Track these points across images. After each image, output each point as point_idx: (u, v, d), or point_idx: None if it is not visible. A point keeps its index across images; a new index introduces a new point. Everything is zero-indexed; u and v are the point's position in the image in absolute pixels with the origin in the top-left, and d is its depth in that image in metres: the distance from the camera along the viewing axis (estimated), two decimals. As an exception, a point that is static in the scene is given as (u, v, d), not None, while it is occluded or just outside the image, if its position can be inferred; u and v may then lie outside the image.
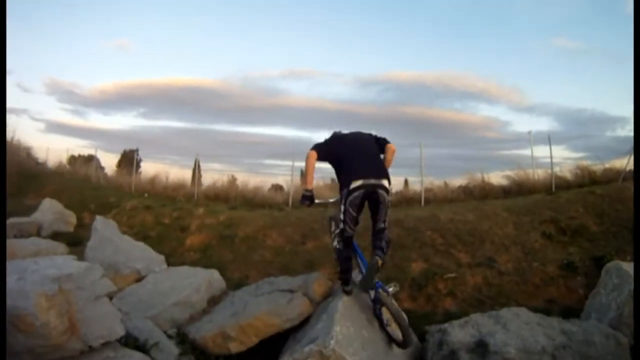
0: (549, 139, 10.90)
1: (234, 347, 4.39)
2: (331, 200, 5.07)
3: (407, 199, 11.11)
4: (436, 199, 10.82)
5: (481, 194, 10.59)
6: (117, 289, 5.38)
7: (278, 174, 13.11)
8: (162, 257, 6.81)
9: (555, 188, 9.87)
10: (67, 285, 3.30)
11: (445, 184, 12.10)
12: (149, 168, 16.66)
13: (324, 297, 4.76)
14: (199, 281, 5.55)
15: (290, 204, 10.73)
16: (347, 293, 4.50)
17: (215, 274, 5.90)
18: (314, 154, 4.30)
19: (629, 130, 10.19)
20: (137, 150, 17.51)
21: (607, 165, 10.79)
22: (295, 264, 6.81)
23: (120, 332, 3.67)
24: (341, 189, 4.29)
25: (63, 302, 3.11)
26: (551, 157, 10.78)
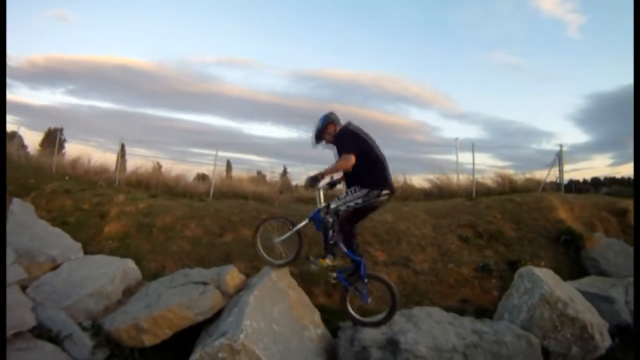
0: (472, 147, 11.65)
1: (148, 340, 4.47)
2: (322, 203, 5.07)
3: (327, 197, 11.42)
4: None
5: (402, 195, 10.89)
6: (32, 277, 5.43)
7: (204, 163, 13.07)
8: (78, 245, 6.68)
9: (476, 194, 10.38)
10: None
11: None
12: (73, 149, 15.92)
13: (237, 290, 4.95)
14: (114, 271, 5.53)
15: (211, 194, 10.73)
16: (332, 269, 4.91)
17: (130, 263, 5.90)
18: (352, 158, 4.58)
19: (553, 145, 11.34)
20: (61, 130, 16.64)
21: (528, 175, 11.58)
22: (212, 256, 6.81)
23: (32, 323, 3.76)
24: (364, 183, 4.66)
25: None
26: (473, 163, 11.48)
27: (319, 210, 4.93)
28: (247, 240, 6.93)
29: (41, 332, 4.22)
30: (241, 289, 5.03)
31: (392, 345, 4.43)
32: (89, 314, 4.95)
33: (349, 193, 4.71)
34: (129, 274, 5.74)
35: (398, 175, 11.70)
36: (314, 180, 4.75)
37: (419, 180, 12.04)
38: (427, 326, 4.68)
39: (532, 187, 10.79)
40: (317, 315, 5.01)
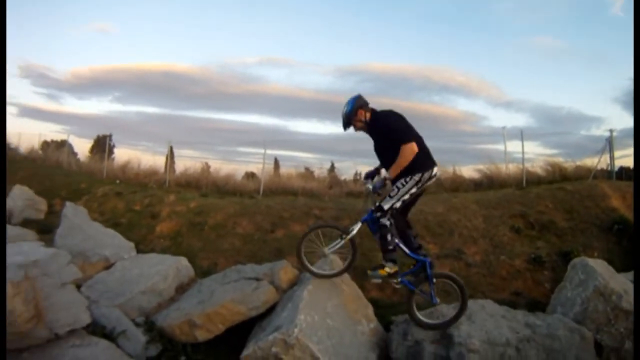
0: (521, 135, 11.18)
1: (201, 335, 4.50)
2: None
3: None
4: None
5: (452, 186, 10.67)
6: (86, 276, 5.54)
7: (252, 162, 13.17)
8: (131, 244, 6.83)
9: (526, 183, 10.06)
10: (33, 272, 3.39)
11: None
12: (122, 154, 16.54)
13: (290, 285, 4.89)
14: (167, 269, 5.58)
15: (261, 192, 10.79)
16: (393, 276, 4.53)
17: (183, 261, 5.91)
18: (414, 146, 4.24)
19: (603, 130, 10.72)
20: (110, 136, 17.33)
21: (578, 163, 11.03)
22: (264, 252, 6.82)
23: (86, 320, 3.77)
24: (411, 171, 4.31)
25: (29, 289, 3.19)
26: (523, 152, 11.01)
27: (372, 211, 4.57)
28: (298, 235, 6.82)
29: (95, 329, 4.26)
30: (294, 284, 4.97)
31: (445, 339, 4.37)
32: (142, 311, 5.01)
33: (401, 186, 4.36)
34: (181, 271, 5.75)
35: (447, 166, 11.51)
36: (382, 187, 4.44)
37: (469, 171, 11.66)
38: (480, 319, 4.57)
39: (583, 175, 10.22)
40: (370, 310, 4.89)
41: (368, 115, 4.53)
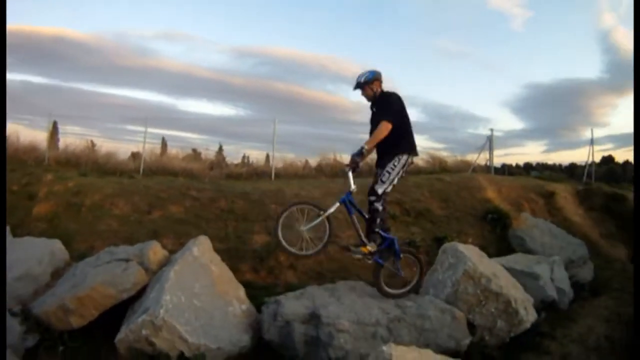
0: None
1: (76, 321, 4.53)
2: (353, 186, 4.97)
3: (259, 173, 11.82)
4: (287, 174, 11.57)
5: (332, 172, 11.36)
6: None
7: (139, 141, 13.07)
8: (7, 228, 6.62)
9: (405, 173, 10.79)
10: None
11: (307, 161, 13.15)
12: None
13: (160, 266, 5.12)
14: (41, 253, 5.59)
15: (141, 171, 10.90)
16: (373, 255, 4.95)
17: (58, 244, 5.94)
18: (390, 126, 4.70)
19: (489, 130, 12.12)
20: (-11, 108, 16.03)
21: (460, 158, 12.57)
22: (140, 233, 6.93)
23: None
24: (396, 152, 4.84)
25: None
26: None
27: (349, 193, 4.92)
28: (175, 216, 7.36)
29: None
30: (164, 265, 5.18)
31: (314, 319, 4.56)
32: (20, 299, 5.03)
33: (391, 170, 4.84)
34: (56, 255, 5.77)
35: (329, 154, 12.47)
36: (358, 156, 4.73)
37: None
38: (349, 301, 4.85)
39: (463, 169, 11.50)
40: (241, 291, 5.17)
41: (379, 90, 5.08)
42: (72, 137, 13.65)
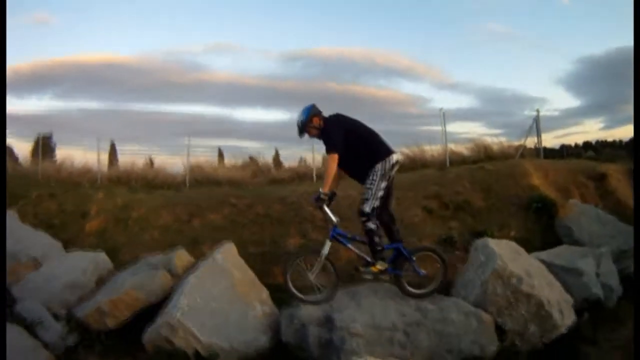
0: (442, 116, 11.97)
1: (110, 322, 5.16)
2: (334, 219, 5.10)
3: (301, 176, 12.17)
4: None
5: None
6: (18, 277, 6.43)
7: (198, 154, 13.98)
8: (59, 244, 7.70)
9: (450, 164, 10.60)
10: None
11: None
12: (64, 154, 16.97)
13: (185, 271, 5.65)
14: (87, 264, 6.39)
15: (187, 183, 11.68)
16: (384, 273, 4.99)
17: (102, 255, 6.69)
18: (336, 157, 4.75)
19: (546, 110, 11.73)
20: (50, 136, 17.89)
21: (506, 143, 11.97)
22: (180, 241, 7.28)
23: None
24: (370, 166, 4.82)
25: None
26: (445, 132, 11.83)
27: (335, 227, 5.03)
28: (213, 224, 7.90)
29: (18, 322, 5.12)
30: (190, 269, 5.68)
31: (329, 322, 4.65)
32: (66, 304, 5.78)
33: (371, 184, 4.81)
34: (100, 265, 6.55)
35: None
36: (319, 200, 4.88)
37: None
38: (368, 303, 4.83)
39: (511, 155, 10.95)
40: (265, 294, 5.47)
41: (321, 122, 5.04)
42: (130, 156, 14.75)
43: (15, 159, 16.92)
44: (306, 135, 5.19)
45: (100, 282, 6.31)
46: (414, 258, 5.03)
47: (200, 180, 11.98)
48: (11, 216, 8.48)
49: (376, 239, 4.84)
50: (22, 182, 12.43)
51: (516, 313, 4.80)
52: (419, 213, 7.59)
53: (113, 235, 8.28)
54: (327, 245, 4.98)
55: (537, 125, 11.70)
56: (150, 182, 12.29)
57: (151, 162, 15.23)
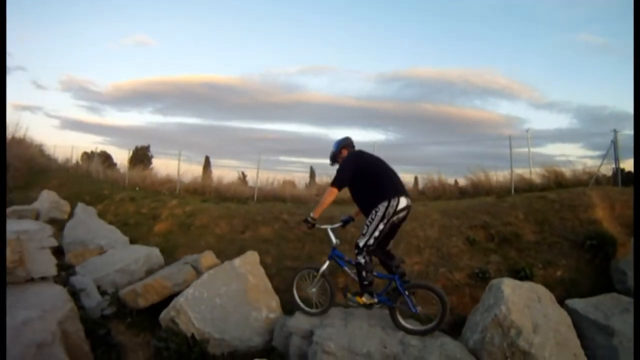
0: (527, 137, 11.40)
1: (142, 302, 6.27)
2: (332, 226, 5.60)
3: (347, 198, 12.59)
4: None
5: (434, 194, 11.23)
6: (84, 259, 8.01)
7: (293, 171, 15.06)
8: (126, 238, 9.29)
9: (517, 191, 10.05)
10: (23, 236, 5.45)
11: (456, 181, 12.34)
12: (161, 164, 19.26)
13: (208, 269, 6.47)
14: (140, 255, 7.70)
15: (255, 198, 12.81)
16: (369, 306, 5.12)
17: (155, 251, 8.03)
18: (335, 192, 5.05)
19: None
20: (147, 147, 20.46)
21: (582, 169, 10.70)
22: (230, 249, 8.30)
23: (53, 272, 5.79)
24: (374, 204, 4.88)
25: (17, 245, 5.12)
26: (511, 156, 11.03)
27: (334, 249, 5.46)
28: (262, 236, 8.81)
29: (68, 287, 6.30)
30: (213, 268, 6.53)
31: (310, 336, 5.01)
32: (115, 285, 7.05)
33: (369, 223, 4.89)
34: (152, 258, 7.83)
35: (433, 174, 12.10)
36: (306, 222, 5.21)
37: (503, 175, 11.64)
38: (354, 326, 5.02)
39: (585, 182, 9.88)
40: (275, 302, 6.16)
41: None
42: (226, 170, 16.27)
43: (113, 164, 19.50)
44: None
45: (150, 272, 7.48)
46: (408, 293, 4.98)
47: (267, 196, 13.07)
48: (88, 211, 10.35)
49: (363, 274, 4.97)
50: (108, 185, 14.58)
51: (511, 369, 4.36)
52: (460, 244, 7.33)
53: (176, 237, 9.59)
54: (326, 264, 5.44)
55: (614, 147, 10.36)
56: (222, 194, 13.67)
57: (243, 176, 16.64)
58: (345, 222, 5.71)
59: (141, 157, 18.89)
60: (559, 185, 10.01)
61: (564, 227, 7.32)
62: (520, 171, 11.23)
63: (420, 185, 12.59)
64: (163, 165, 17.96)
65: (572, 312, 5.29)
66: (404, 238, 7.32)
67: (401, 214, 4.97)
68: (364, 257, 4.91)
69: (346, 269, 5.44)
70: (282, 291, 6.49)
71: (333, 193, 5.05)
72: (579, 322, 5.15)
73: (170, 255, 8.31)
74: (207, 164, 17.36)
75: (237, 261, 6.43)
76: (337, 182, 5.08)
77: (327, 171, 15.41)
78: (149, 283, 6.45)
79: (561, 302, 5.45)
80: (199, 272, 6.69)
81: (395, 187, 4.99)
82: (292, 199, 12.55)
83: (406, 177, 12.97)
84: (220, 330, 5.59)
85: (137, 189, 14.28)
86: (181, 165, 15.43)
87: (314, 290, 5.57)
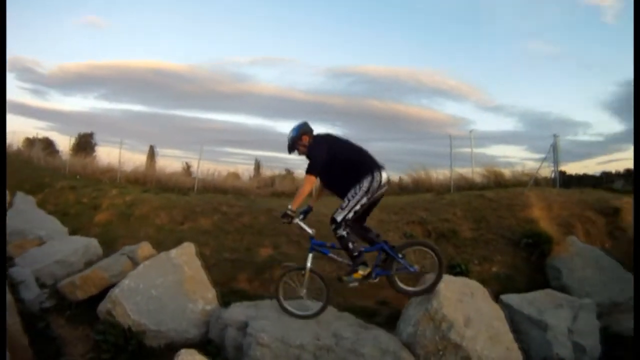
0: (470, 139, 12.26)
1: (80, 294, 6.36)
2: (299, 219, 5.30)
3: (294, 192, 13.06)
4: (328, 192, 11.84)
5: (416, 187, 11.65)
6: (23, 250, 8.07)
7: (238, 162, 15.29)
8: (65, 229, 9.42)
9: (457, 189, 10.75)
10: None
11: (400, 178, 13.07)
12: (104, 152, 19.12)
13: (145, 260, 6.67)
14: (79, 247, 7.84)
15: (195, 189, 13.06)
16: (369, 276, 5.04)
17: (94, 242, 8.12)
18: (313, 179, 4.96)
19: (589, 135, 11.11)
20: (91, 134, 20.28)
21: (521, 170, 11.74)
22: (169, 240, 8.35)
23: None
24: (357, 180, 4.89)
25: None
26: (451, 155, 11.93)
27: (312, 238, 5.28)
28: (201, 228, 9.06)
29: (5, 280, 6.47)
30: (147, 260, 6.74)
31: (245, 328, 5.06)
32: (54, 277, 7.17)
33: (351, 197, 4.88)
34: (90, 249, 7.96)
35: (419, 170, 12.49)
36: (286, 217, 5.03)
37: (440, 174, 12.56)
38: (289, 319, 5.16)
39: (524, 182, 10.62)
40: (211, 294, 6.28)
41: (310, 141, 5.20)
42: (171, 160, 16.35)
43: (55, 151, 19.24)
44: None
45: (89, 264, 7.58)
46: (401, 255, 5.04)
47: (209, 188, 13.35)
48: (27, 200, 10.40)
49: (350, 245, 4.91)
50: (52, 173, 14.48)
51: (443, 362, 4.58)
52: (397, 239, 7.42)
53: (116, 227, 9.74)
54: (310, 259, 5.25)
55: (554, 152, 11.24)
56: (163, 184, 13.85)
57: (187, 167, 17.10)
58: (306, 213, 5.54)
59: (84, 144, 18.67)
60: (499, 185, 10.60)
61: (501, 225, 7.76)
62: (462, 170, 12.08)
63: (406, 180, 13.05)
64: (106, 154, 17.82)
65: (507, 307, 5.62)
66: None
67: (382, 189, 5.03)
68: (344, 229, 4.88)
69: (331, 255, 5.33)
70: (220, 283, 6.77)
71: (311, 181, 4.98)
72: (514, 317, 5.48)
73: (110, 246, 8.40)
74: (151, 154, 17.36)
75: (173, 252, 6.57)
76: (314, 168, 5.00)
77: (272, 164, 16.23)
78: (86, 275, 6.61)
79: (497, 297, 5.74)
80: (135, 263, 6.87)
81: (375, 162, 5.07)
82: (234, 190, 12.82)
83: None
84: (156, 321, 5.72)
85: (77, 177, 14.26)
86: (125, 154, 15.49)
87: (304, 290, 5.31)
